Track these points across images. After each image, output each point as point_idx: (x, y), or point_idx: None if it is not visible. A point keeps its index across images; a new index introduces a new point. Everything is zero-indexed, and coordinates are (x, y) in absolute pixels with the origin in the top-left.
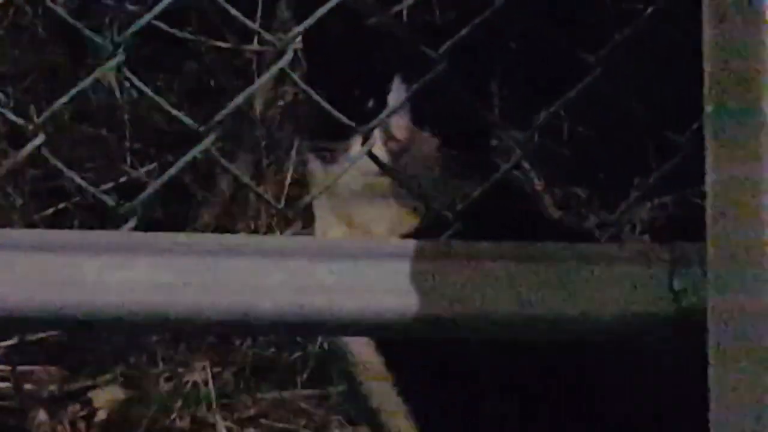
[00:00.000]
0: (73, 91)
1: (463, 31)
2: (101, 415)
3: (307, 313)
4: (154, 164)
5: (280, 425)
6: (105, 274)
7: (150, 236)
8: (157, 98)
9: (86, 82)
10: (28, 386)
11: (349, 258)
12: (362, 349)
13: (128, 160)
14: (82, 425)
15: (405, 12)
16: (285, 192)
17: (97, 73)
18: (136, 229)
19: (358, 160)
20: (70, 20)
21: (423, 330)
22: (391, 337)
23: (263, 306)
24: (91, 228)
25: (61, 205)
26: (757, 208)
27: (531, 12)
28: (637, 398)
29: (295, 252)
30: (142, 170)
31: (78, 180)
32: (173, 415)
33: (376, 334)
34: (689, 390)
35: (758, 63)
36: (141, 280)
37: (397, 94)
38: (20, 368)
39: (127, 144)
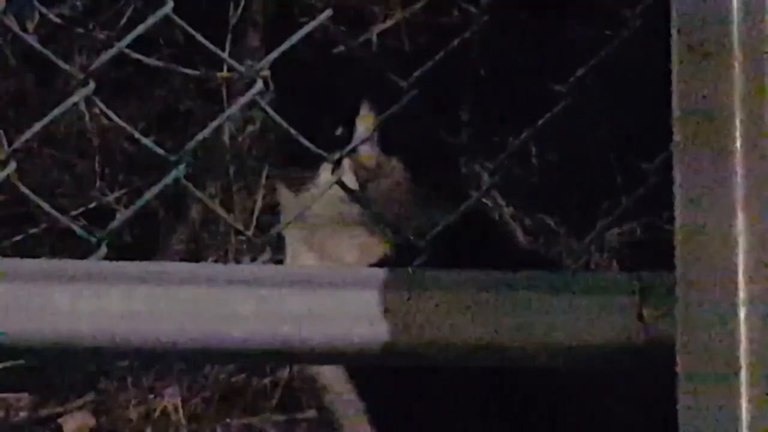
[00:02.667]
0: (45, 120)
1: (432, 61)
2: None
3: (278, 342)
4: (124, 190)
5: None
6: (77, 303)
7: (121, 265)
8: (128, 128)
9: (57, 111)
10: None
11: (320, 287)
12: (333, 377)
13: (98, 185)
14: None
15: (374, 40)
16: (255, 217)
17: (67, 103)
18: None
19: (328, 188)
20: (40, 48)
21: (393, 358)
22: (362, 365)
23: (234, 334)
24: (62, 253)
25: (31, 231)
26: (726, 236)
27: (500, 40)
28: (603, 420)
29: (266, 281)
30: (112, 196)
31: (49, 210)
32: None
33: (346, 362)
34: (658, 413)
35: (726, 93)
36: (113, 309)
37: (365, 121)
38: None
39: (97, 169)
